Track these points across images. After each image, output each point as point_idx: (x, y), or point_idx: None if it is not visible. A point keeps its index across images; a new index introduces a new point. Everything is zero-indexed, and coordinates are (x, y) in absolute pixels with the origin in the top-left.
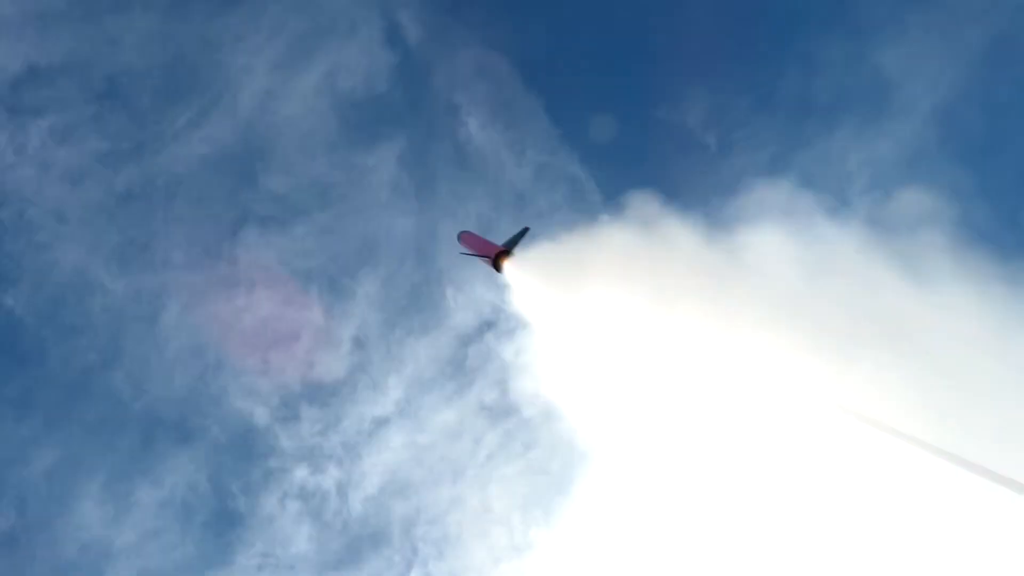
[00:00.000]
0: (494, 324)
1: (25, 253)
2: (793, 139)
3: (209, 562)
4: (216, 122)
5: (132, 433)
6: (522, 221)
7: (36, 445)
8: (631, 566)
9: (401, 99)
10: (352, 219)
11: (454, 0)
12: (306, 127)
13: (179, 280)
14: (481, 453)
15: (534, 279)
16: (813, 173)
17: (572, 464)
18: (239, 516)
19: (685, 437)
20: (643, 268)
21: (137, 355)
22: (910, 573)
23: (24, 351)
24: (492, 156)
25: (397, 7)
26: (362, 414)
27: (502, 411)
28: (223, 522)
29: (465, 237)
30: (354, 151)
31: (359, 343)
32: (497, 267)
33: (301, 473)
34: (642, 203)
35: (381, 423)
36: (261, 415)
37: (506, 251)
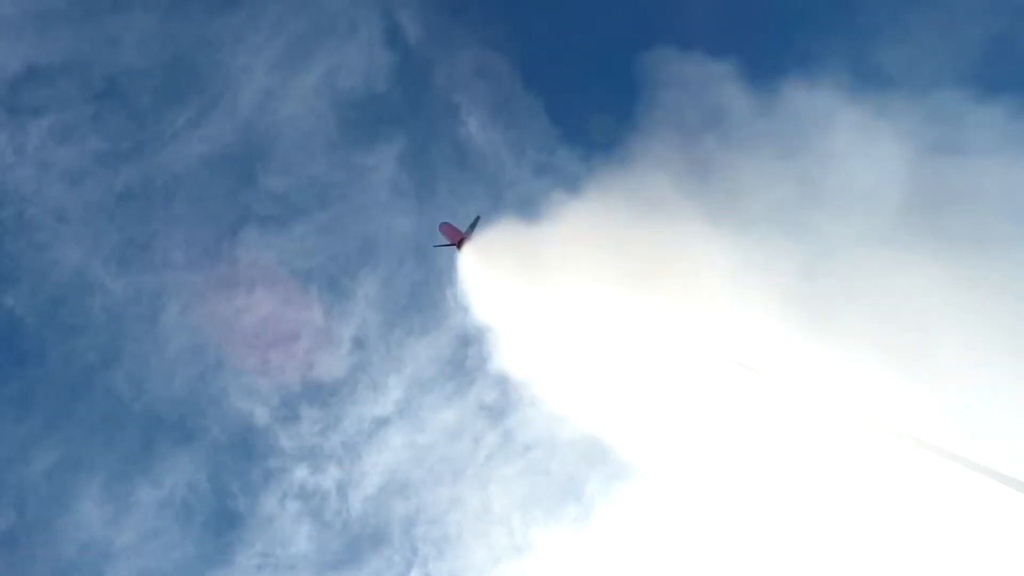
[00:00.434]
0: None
1: (25, 253)
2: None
3: (209, 562)
4: (216, 122)
5: (132, 433)
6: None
7: (36, 445)
8: (630, 566)
9: (401, 99)
10: (352, 219)
11: (454, 0)
12: (306, 127)
13: (179, 280)
14: (481, 453)
15: (486, 265)
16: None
17: (572, 462)
18: (239, 516)
19: (684, 434)
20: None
21: (137, 355)
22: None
23: (24, 351)
24: (492, 156)
25: (397, 7)
26: (362, 414)
27: (500, 411)
28: (223, 522)
29: (443, 228)
30: (354, 151)
31: (359, 343)
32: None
33: (301, 473)
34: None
35: (381, 423)
36: (261, 415)
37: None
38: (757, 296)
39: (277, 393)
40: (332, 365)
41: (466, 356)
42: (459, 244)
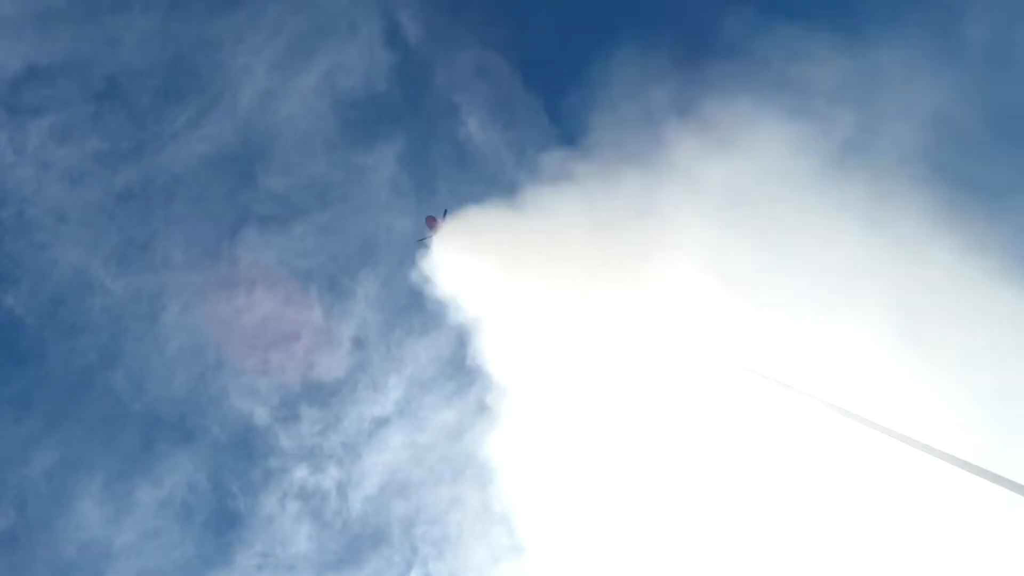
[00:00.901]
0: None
1: (25, 253)
2: None
3: (209, 562)
4: (216, 122)
5: (132, 433)
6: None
7: (36, 445)
8: (629, 565)
9: (401, 99)
10: (352, 219)
11: (454, 0)
12: (306, 127)
13: (179, 280)
14: (481, 453)
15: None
16: None
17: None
18: (239, 516)
19: (676, 433)
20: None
21: (137, 355)
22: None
23: (24, 351)
24: (492, 156)
25: (397, 7)
26: (362, 414)
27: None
28: (223, 522)
29: (428, 220)
30: (354, 151)
31: (359, 343)
32: None
33: (301, 473)
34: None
35: (381, 423)
36: (261, 415)
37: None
38: (739, 289)
39: (277, 393)
40: (332, 365)
41: (466, 356)
42: (433, 228)
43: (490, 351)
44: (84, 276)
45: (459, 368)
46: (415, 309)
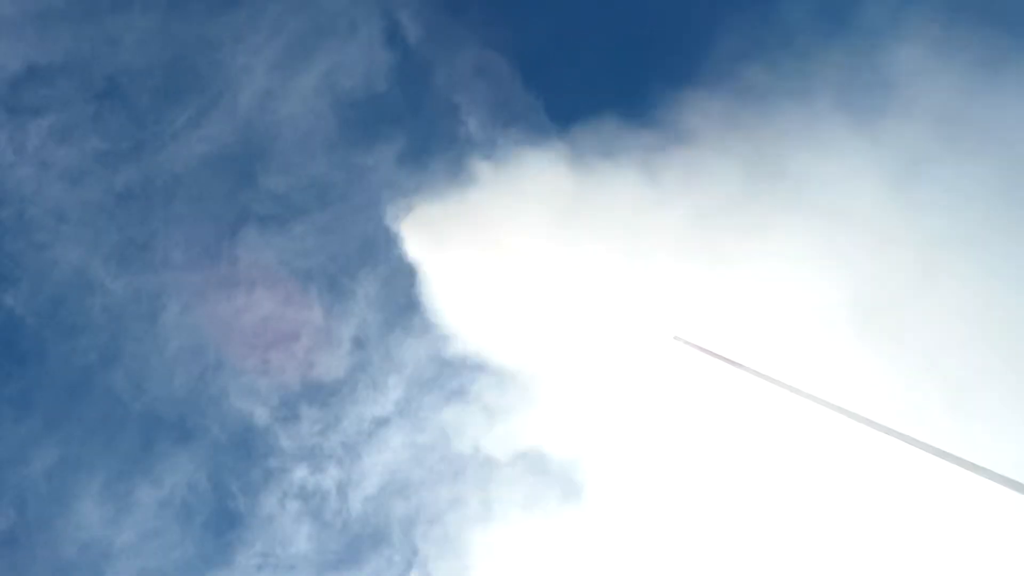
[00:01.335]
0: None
1: (25, 253)
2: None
3: (209, 562)
4: (216, 122)
5: (132, 433)
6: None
7: (36, 445)
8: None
9: (401, 99)
10: (352, 219)
11: (454, 0)
12: (306, 127)
13: (179, 280)
14: (481, 453)
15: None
16: None
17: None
18: (239, 516)
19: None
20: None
21: (137, 355)
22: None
23: (24, 351)
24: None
25: (397, 7)
26: (362, 414)
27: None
28: (223, 522)
29: None
30: (354, 151)
31: (359, 343)
32: None
33: (301, 473)
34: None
35: (381, 423)
36: (261, 415)
37: None
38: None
39: (277, 393)
40: (332, 365)
41: (466, 356)
42: None
43: (488, 347)
44: (84, 276)
45: (459, 366)
46: (415, 309)
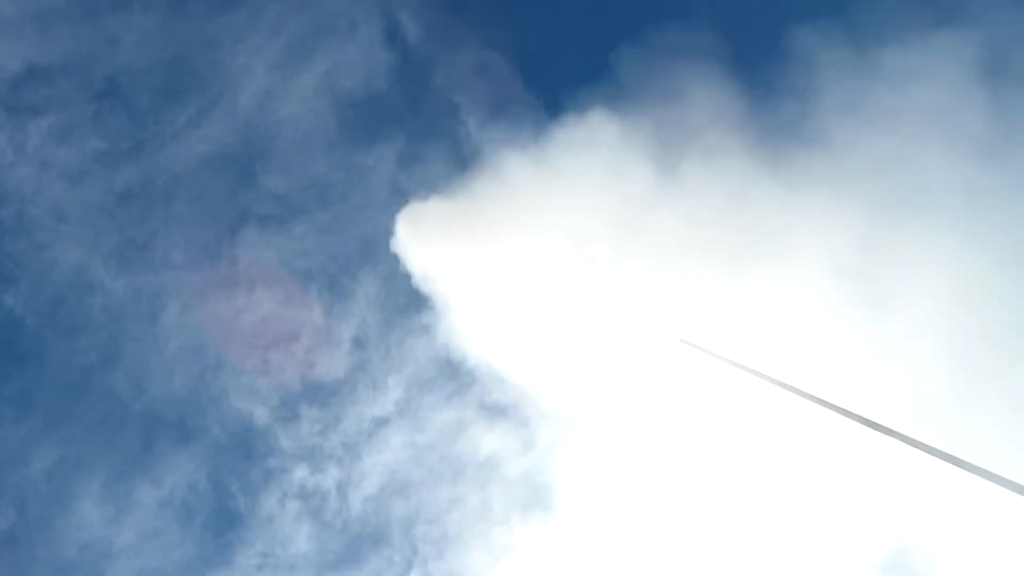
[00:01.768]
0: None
1: (25, 253)
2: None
3: (209, 562)
4: (216, 122)
5: (132, 433)
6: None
7: (36, 445)
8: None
9: (401, 99)
10: (352, 219)
11: (454, 0)
12: (305, 127)
13: (179, 280)
14: (481, 453)
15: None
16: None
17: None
18: (239, 516)
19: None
20: None
21: (137, 355)
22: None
23: (24, 351)
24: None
25: (397, 7)
26: (362, 414)
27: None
28: (223, 522)
29: None
30: (354, 151)
31: (359, 343)
32: None
33: (301, 473)
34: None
35: (381, 423)
36: (261, 415)
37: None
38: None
39: (277, 393)
40: (332, 365)
41: (466, 356)
42: None
43: (486, 346)
44: (84, 276)
45: (459, 368)
46: (415, 309)
